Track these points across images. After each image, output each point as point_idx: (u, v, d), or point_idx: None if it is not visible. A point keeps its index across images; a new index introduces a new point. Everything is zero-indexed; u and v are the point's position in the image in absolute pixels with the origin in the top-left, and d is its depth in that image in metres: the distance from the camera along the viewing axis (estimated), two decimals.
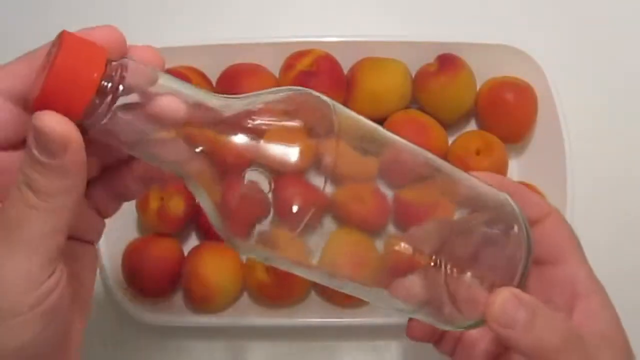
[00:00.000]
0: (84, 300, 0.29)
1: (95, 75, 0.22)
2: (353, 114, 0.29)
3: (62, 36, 0.22)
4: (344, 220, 0.28)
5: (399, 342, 0.54)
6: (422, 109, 0.58)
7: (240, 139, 0.25)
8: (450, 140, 0.58)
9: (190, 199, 0.55)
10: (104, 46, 0.23)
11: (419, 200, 0.31)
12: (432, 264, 0.30)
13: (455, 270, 0.30)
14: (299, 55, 0.56)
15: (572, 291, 0.32)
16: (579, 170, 0.54)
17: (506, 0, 0.65)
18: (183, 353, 0.55)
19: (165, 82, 0.25)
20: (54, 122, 0.22)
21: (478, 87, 0.58)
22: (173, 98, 0.24)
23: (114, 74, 0.23)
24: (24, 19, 0.64)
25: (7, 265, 0.22)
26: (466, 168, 0.54)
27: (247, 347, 0.55)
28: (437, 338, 0.37)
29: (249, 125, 0.26)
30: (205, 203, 0.27)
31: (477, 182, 0.32)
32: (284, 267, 0.28)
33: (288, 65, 0.56)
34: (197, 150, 0.25)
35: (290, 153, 0.26)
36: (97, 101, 0.23)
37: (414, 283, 0.30)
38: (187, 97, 0.25)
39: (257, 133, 0.26)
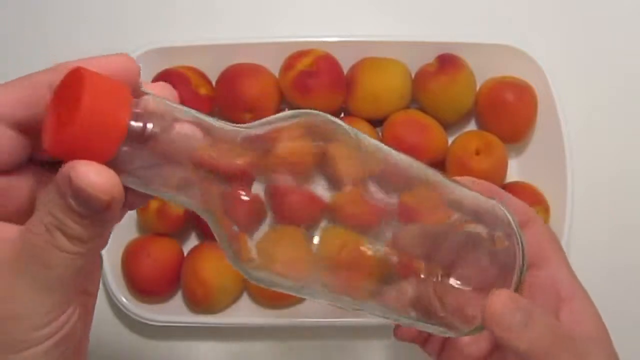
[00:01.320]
0: (89, 310, 0.29)
1: (124, 118, 0.21)
2: (369, 138, 0.28)
3: (83, 75, 0.21)
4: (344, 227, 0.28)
5: (398, 342, 0.54)
6: (422, 109, 0.58)
7: (257, 168, 0.24)
8: (450, 140, 0.58)
9: None
10: (124, 82, 0.22)
11: (415, 212, 0.31)
12: (428, 274, 0.30)
13: (452, 279, 0.30)
14: (299, 55, 0.56)
15: (556, 294, 0.33)
16: (579, 170, 0.54)
17: (506, 0, 0.65)
18: (183, 353, 0.55)
19: (186, 116, 0.24)
20: (96, 178, 0.20)
21: (478, 87, 0.58)
22: (194, 130, 0.23)
23: (139, 112, 0.21)
24: (24, 18, 0.64)
25: (31, 303, 0.22)
26: (466, 168, 0.55)
27: (247, 347, 0.55)
28: (423, 339, 0.38)
29: (269, 154, 0.25)
30: (219, 234, 0.26)
31: (470, 192, 0.32)
32: (300, 294, 0.28)
33: (288, 65, 0.56)
34: (216, 184, 0.24)
35: (308, 183, 0.25)
36: (124, 147, 0.21)
37: (408, 294, 0.31)
38: (206, 128, 0.24)
39: (274, 162, 0.25)
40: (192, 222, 0.57)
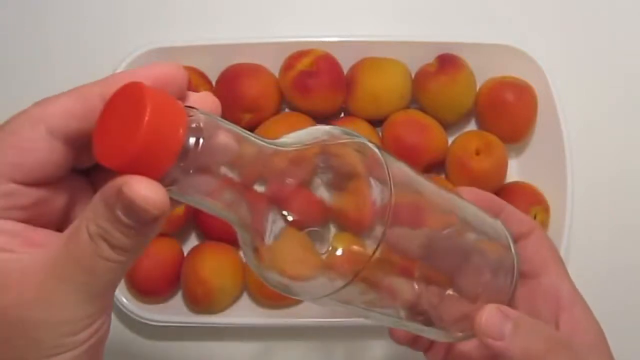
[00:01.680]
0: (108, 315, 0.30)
1: (181, 138, 0.21)
2: (398, 162, 0.29)
3: (144, 93, 0.21)
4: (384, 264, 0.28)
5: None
6: (422, 109, 0.58)
7: (298, 188, 0.25)
8: (450, 140, 0.58)
9: None
10: (178, 100, 0.23)
11: (423, 224, 0.32)
12: (428, 281, 0.31)
13: (450, 287, 0.32)
14: (299, 55, 0.56)
15: (555, 302, 0.34)
16: (579, 170, 0.54)
17: (506, 0, 0.65)
18: (183, 353, 0.55)
19: (232, 133, 0.24)
20: (148, 193, 0.21)
21: (478, 87, 0.58)
22: (239, 148, 0.24)
23: (193, 130, 0.22)
24: (24, 18, 0.64)
25: (70, 309, 0.23)
26: (466, 168, 0.55)
27: (247, 347, 0.55)
28: (426, 346, 0.39)
29: (306, 175, 0.26)
30: (247, 250, 0.27)
31: (475, 209, 0.34)
32: (329, 305, 0.29)
33: (288, 65, 0.56)
34: (254, 196, 0.25)
35: (344, 206, 0.26)
36: (177, 163, 0.22)
37: (409, 303, 0.32)
38: (248, 144, 0.25)
39: (310, 182, 0.26)
40: (192, 222, 0.57)
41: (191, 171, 0.22)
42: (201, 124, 0.22)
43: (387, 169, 0.27)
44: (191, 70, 0.57)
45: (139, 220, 0.22)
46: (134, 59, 0.55)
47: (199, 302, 0.53)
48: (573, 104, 0.56)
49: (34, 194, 0.24)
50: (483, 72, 0.58)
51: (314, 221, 0.26)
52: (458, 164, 0.55)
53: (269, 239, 0.26)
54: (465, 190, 0.36)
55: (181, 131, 0.21)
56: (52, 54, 0.62)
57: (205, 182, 0.23)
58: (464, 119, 0.59)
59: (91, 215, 0.22)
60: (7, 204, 0.24)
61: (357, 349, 0.55)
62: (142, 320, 0.52)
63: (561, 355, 0.30)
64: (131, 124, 0.21)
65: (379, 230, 0.26)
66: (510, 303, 0.33)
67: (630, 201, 0.59)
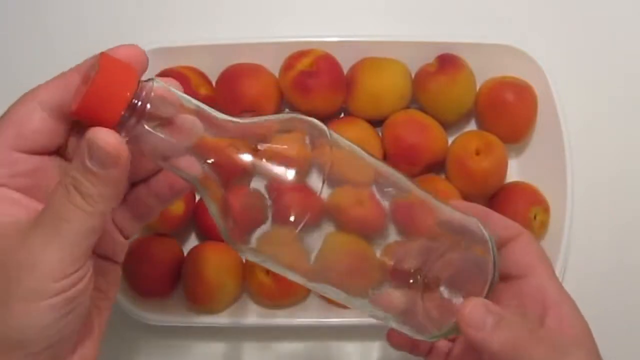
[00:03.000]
0: (105, 310, 0.33)
1: (128, 93, 0.26)
2: (346, 140, 0.32)
3: (102, 57, 0.26)
4: (337, 225, 0.31)
5: None
6: (422, 109, 0.58)
7: (245, 152, 0.29)
8: (450, 140, 0.58)
9: (190, 199, 0.55)
10: (133, 66, 0.27)
11: (402, 221, 0.34)
12: (411, 279, 0.33)
13: (431, 285, 0.33)
14: (299, 55, 0.56)
15: (542, 301, 0.35)
16: (579, 170, 0.54)
17: (506, 0, 0.65)
18: (183, 353, 0.55)
19: (185, 101, 0.28)
20: (109, 138, 0.25)
21: (478, 87, 0.58)
22: (192, 117, 0.28)
23: (143, 93, 0.26)
24: (24, 19, 0.64)
25: (46, 253, 0.26)
26: (466, 168, 0.55)
27: (247, 347, 0.55)
28: (426, 352, 0.40)
29: (253, 141, 0.29)
30: (212, 209, 0.30)
31: (450, 209, 0.35)
32: (278, 271, 0.32)
33: (288, 65, 0.56)
34: (207, 161, 0.29)
35: (288, 166, 0.29)
36: (128, 115, 0.26)
37: (393, 295, 0.33)
38: (202, 114, 0.28)
39: (259, 148, 0.29)
40: (193, 222, 0.57)
41: (144, 126, 0.26)
42: (154, 87, 0.27)
43: (328, 130, 0.31)
44: (191, 70, 0.57)
45: (101, 163, 0.25)
46: None
47: (199, 302, 0.53)
48: (573, 104, 0.56)
49: (31, 161, 0.28)
50: (483, 72, 0.58)
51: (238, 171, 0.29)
52: (458, 163, 0.55)
53: (220, 190, 0.29)
54: (451, 203, 0.37)
55: (129, 87, 0.26)
56: (52, 53, 0.62)
57: (157, 139, 0.27)
58: (464, 119, 0.59)
59: (67, 170, 0.26)
60: (12, 171, 0.28)
61: (357, 349, 0.55)
62: (142, 320, 0.52)
63: (539, 350, 0.31)
64: (89, 82, 0.26)
65: (317, 174, 0.29)
66: (491, 300, 0.34)
67: (630, 201, 0.59)
